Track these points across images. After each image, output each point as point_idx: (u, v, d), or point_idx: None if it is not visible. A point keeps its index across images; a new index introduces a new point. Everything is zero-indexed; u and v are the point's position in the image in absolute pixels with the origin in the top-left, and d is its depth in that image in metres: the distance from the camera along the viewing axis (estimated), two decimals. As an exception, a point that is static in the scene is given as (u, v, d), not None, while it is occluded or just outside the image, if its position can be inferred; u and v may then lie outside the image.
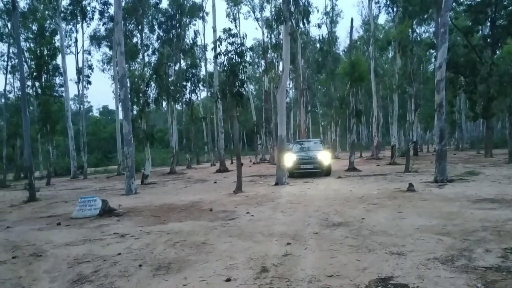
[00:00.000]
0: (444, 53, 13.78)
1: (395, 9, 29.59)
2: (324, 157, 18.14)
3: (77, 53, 34.95)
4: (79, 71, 35.28)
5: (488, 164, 20.03)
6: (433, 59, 36.49)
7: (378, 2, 31.58)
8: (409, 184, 11.90)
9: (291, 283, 4.39)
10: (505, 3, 27.55)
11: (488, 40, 28.74)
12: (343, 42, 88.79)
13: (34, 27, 30.88)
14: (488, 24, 29.10)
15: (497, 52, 27.92)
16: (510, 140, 22.16)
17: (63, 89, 30.76)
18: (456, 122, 40.25)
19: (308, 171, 17.98)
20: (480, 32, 32.05)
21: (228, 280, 4.61)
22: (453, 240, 5.80)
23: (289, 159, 17.31)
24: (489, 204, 8.65)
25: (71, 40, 35.87)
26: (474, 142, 41.73)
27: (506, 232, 6.04)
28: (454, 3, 27.49)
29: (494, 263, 4.67)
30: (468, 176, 14.71)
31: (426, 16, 30.26)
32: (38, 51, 26.09)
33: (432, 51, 32.74)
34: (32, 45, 30.43)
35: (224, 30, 14.90)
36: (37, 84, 27.38)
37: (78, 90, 37.01)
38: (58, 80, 30.57)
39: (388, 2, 30.20)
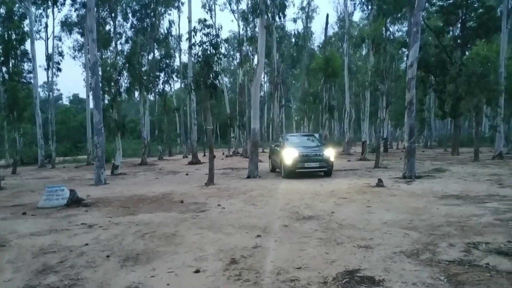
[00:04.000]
0: (415, 52, 14.04)
1: (370, 7, 30.00)
2: (331, 154, 15.41)
3: (47, 39, 33.89)
4: (48, 58, 34.21)
5: (454, 161, 20.58)
6: (405, 58, 37.07)
7: (354, -1, 31.95)
8: (379, 179, 12.12)
9: (260, 274, 4.42)
10: (476, 5, 28.24)
11: (458, 41, 29.45)
12: (318, 38, 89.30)
13: (2, 10, 29.74)
14: (459, 25, 29.80)
15: (466, 53, 28.69)
16: (476, 139, 22.86)
17: (31, 75, 29.79)
18: (425, 120, 41.12)
19: (313, 170, 15.11)
20: (451, 33, 32.82)
21: (197, 271, 4.60)
22: (419, 234, 5.95)
23: (289, 155, 14.87)
24: (454, 200, 8.91)
25: (41, 25, 34.71)
26: (442, 140, 42.77)
27: (469, 228, 6.23)
28: (427, 4, 28.03)
29: (457, 257, 4.82)
30: (435, 173, 15.09)
31: (399, 15, 30.74)
32: (6, 36, 25.23)
33: (404, 49, 33.27)
34: (-1, 28, 29.37)
35: (200, 21, 14.73)
36: (4, 69, 26.50)
37: (48, 77, 35.81)
38: (26, 66, 29.67)
39: (363, 0, 30.59)
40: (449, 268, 4.42)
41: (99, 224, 7.50)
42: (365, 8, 31.89)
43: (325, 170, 15.31)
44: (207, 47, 14.64)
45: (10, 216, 8.73)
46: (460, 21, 28.84)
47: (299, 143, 16.40)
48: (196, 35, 14.79)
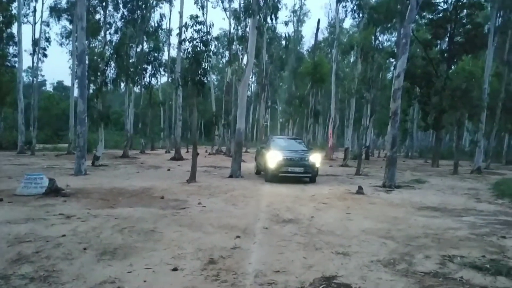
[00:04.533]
0: (403, 63, 14.21)
1: (361, 15, 30.29)
2: (316, 160, 14.81)
3: (35, 23, 33.32)
4: (35, 43, 33.64)
5: (434, 173, 20.89)
6: (392, 68, 37.57)
7: (346, 6, 32.18)
8: (359, 187, 12.24)
9: (238, 276, 4.43)
10: (464, 21, 28.70)
11: (445, 54, 29.85)
12: (307, 42, 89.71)
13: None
14: (447, 39, 30.23)
15: (452, 67, 29.11)
16: (456, 153, 23.23)
17: (16, 59, 29.32)
18: (408, 130, 41.63)
19: (297, 175, 14.50)
20: (439, 46, 33.27)
21: (175, 269, 4.59)
22: (396, 244, 6.03)
23: (273, 158, 14.24)
24: (432, 212, 9.05)
25: (29, 9, 34.03)
26: (423, 151, 43.31)
27: (445, 240, 6.34)
28: (417, 16, 28.40)
29: (432, 268, 4.90)
30: (415, 183, 15.30)
31: (389, 25, 31.04)
32: (-8, 17, 24.78)
33: (392, 60, 33.63)
34: (-15, 10, 28.75)
35: (191, 17, 14.68)
36: (-12, 52, 26.01)
37: (33, 62, 35.21)
38: (11, 49, 29.19)
39: (355, 8, 30.85)
40: (424, 280, 4.49)
41: (77, 215, 7.41)
42: (356, 16, 32.17)
43: (310, 176, 14.70)
44: (197, 44, 14.60)
45: (-14, 202, 8.56)
46: (448, 35, 29.23)
47: (285, 147, 15.72)
48: (187, 30, 14.73)
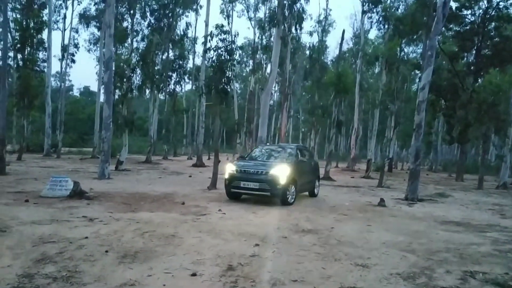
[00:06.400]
0: (428, 75, 14.05)
1: (386, 26, 30.10)
2: (281, 173, 10.57)
3: (64, 30, 34.42)
4: (64, 48, 34.64)
5: (458, 188, 20.50)
6: (417, 80, 37.16)
7: (371, 17, 32.10)
8: (381, 199, 12.11)
9: (256, 284, 4.44)
10: (492, 34, 28.25)
11: (472, 67, 29.39)
12: (332, 52, 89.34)
13: (23, -2, 30.15)
14: (474, 52, 29.78)
15: (479, 80, 28.60)
16: (481, 167, 22.75)
17: (45, 64, 30.13)
18: (432, 143, 40.99)
19: (251, 192, 11.02)
20: (465, 59, 32.76)
21: (194, 274, 4.63)
22: (417, 258, 5.94)
23: (228, 170, 11.32)
24: (454, 227, 8.87)
25: (59, 15, 35.26)
26: (447, 165, 42.56)
27: (467, 256, 6.22)
28: (443, 28, 28.07)
29: (453, 284, 4.81)
30: (438, 197, 15.04)
31: (415, 37, 30.79)
32: (25, 23, 25.54)
33: (417, 71, 33.30)
34: (18, 16, 29.70)
35: (217, 26, 14.88)
36: (19, 56, 26.80)
37: (61, 68, 36.33)
38: (41, 54, 29.97)
39: (381, 19, 30.70)
40: (444, 295, 4.42)
41: (100, 218, 7.55)
42: (382, 27, 32.00)
43: (268, 195, 10.84)
44: (222, 53, 14.77)
45: (13, 203, 8.81)
46: (475, 48, 28.82)
47: (259, 157, 12.60)
48: (212, 39, 14.92)
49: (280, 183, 10.49)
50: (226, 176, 11.22)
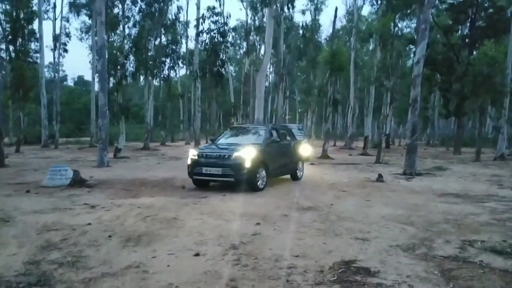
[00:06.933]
0: (423, 49, 14.02)
1: (379, 1, 29.89)
2: (246, 156, 9.46)
3: (55, 19, 33.96)
4: (55, 38, 34.27)
5: (456, 161, 20.62)
6: (412, 55, 37.00)
7: (364, -7, 31.81)
8: (379, 174, 12.21)
9: (258, 260, 4.52)
10: (486, 5, 28.05)
11: (467, 40, 29.26)
12: (325, 31, 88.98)
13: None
14: (468, 24, 29.60)
15: (474, 52, 28.52)
16: (478, 140, 22.86)
17: (38, 55, 29.95)
18: (429, 118, 41.08)
19: (214, 178, 10.04)
20: (460, 31, 32.59)
21: (197, 254, 4.71)
22: (416, 229, 6.04)
23: (189, 157, 10.25)
24: (453, 199, 8.98)
25: (49, 5, 34.73)
26: (444, 139, 42.65)
27: (466, 226, 6.32)
28: (436, 1, 27.86)
29: (452, 253, 4.90)
30: (436, 171, 15.15)
31: (409, 11, 30.53)
32: (14, 14, 25.26)
33: (411, 46, 33.09)
34: (8, 7, 29.33)
35: (208, 8, 14.86)
36: (11, 48, 26.57)
37: (54, 58, 36.03)
38: (33, 45, 29.78)
39: (373, -6, 30.48)
40: (443, 263, 4.51)
41: (101, 205, 7.62)
42: (375, 3, 31.89)
43: (232, 181, 9.74)
44: (214, 35, 14.73)
45: (14, 194, 8.87)
46: (469, 20, 28.62)
47: (230, 139, 11.34)
48: (204, 22, 14.93)
49: (245, 167, 9.40)
50: (188, 162, 10.16)
